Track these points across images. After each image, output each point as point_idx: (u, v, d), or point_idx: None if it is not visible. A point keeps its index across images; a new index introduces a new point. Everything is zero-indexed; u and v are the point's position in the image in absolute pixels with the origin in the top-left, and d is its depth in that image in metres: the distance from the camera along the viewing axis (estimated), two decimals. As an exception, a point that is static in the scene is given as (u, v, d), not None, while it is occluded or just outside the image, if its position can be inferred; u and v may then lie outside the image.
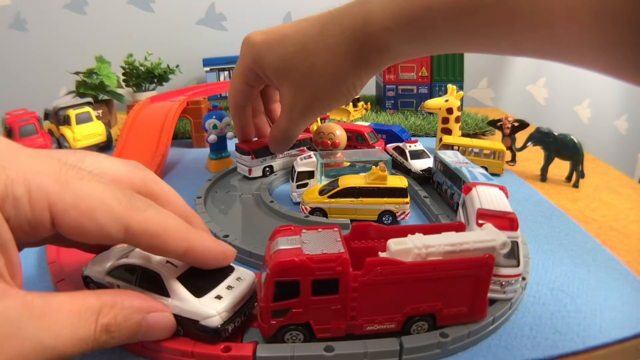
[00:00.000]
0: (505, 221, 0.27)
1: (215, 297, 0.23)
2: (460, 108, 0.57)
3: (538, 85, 1.07)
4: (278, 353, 0.22)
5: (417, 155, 0.51)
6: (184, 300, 0.23)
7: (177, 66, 0.86)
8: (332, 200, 0.40)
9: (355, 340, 0.23)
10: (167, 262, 0.24)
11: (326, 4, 0.35)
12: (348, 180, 0.40)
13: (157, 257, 0.24)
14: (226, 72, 0.87)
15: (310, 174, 0.45)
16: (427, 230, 0.25)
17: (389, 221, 0.40)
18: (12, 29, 0.94)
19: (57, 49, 0.95)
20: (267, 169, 0.50)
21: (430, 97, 0.73)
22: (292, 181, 0.45)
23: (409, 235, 0.24)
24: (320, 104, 0.36)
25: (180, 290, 0.23)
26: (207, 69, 0.86)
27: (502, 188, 0.33)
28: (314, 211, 0.40)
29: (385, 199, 0.39)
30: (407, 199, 0.40)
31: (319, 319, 0.23)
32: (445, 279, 0.23)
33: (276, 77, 0.37)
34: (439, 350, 0.24)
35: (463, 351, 0.25)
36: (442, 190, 0.44)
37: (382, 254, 0.24)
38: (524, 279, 0.29)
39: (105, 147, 0.61)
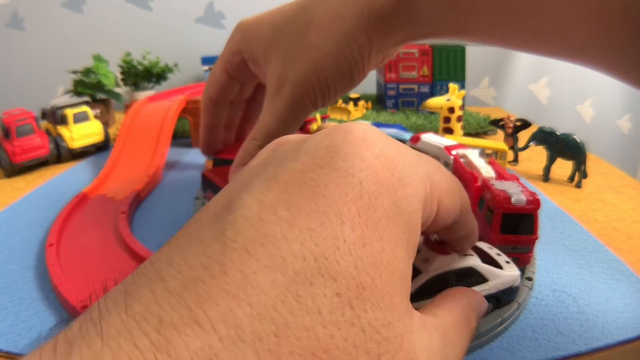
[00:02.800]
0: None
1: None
2: (462, 107, 0.56)
3: (540, 84, 1.06)
4: None
5: None
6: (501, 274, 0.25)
7: (176, 65, 0.85)
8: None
9: None
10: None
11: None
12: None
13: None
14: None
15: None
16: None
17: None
18: (10, 28, 0.93)
19: (54, 47, 0.95)
20: None
21: (432, 96, 0.73)
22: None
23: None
24: (316, 75, 0.26)
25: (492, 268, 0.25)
26: (206, 67, 0.86)
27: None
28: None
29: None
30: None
31: None
32: None
33: (264, 50, 0.28)
34: None
35: (467, 354, 0.24)
36: None
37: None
38: (530, 279, 0.29)
39: (102, 147, 0.61)
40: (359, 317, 0.11)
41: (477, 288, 0.24)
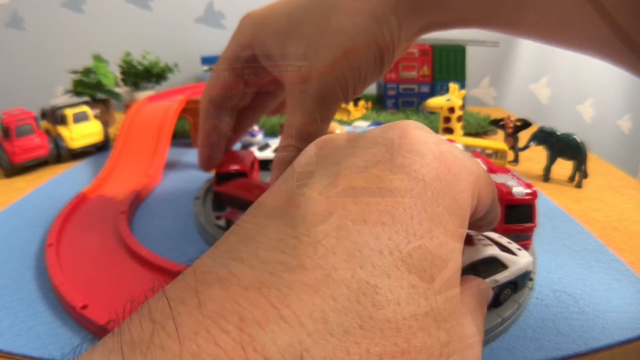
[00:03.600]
0: None
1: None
2: (462, 107, 0.56)
3: (540, 84, 1.06)
4: None
5: None
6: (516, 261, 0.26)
7: (176, 65, 0.85)
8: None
9: None
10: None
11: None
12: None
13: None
14: (225, 71, 0.86)
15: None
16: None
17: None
18: (9, 28, 0.93)
19: (54, 47, 0.95)
20: None
21: (432, 96, 0.73)
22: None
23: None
24: (347, 60, 0.23)
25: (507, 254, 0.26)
26: (206, 67, 0.86)
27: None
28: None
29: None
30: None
31: None
32: None
33: (280, 43, 0.25)
34: None
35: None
36: None
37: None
38: (530, 279, 0.29)
39: (102, 147, 0.61)
40: (432, 308, 0.12)
41: (499, 275, 0.25)
